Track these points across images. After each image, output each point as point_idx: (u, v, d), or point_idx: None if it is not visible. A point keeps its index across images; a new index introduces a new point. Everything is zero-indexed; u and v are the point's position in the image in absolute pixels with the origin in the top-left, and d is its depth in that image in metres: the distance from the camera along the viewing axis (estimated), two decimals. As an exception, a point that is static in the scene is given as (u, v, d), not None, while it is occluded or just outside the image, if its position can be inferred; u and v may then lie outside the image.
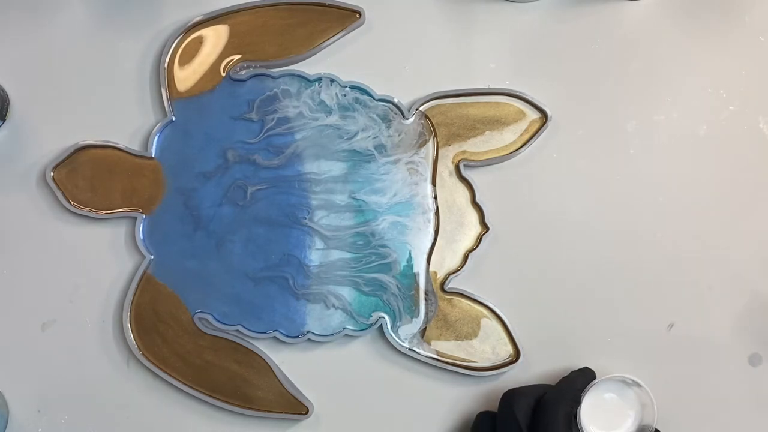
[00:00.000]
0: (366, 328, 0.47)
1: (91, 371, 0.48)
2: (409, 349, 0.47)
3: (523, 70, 0.50)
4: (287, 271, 0.48)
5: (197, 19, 0.50)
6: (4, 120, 0.50)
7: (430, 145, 0.49)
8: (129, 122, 0.50)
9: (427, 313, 0.48)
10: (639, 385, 0.44)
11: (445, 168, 0.49)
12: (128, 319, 0.48)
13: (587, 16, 0.51)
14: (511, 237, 0.49)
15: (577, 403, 0.43)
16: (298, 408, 0.47)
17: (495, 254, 0.48)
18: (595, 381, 0.44)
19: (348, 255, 0.48)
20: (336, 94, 0.49)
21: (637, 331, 0.48)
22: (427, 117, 0.49)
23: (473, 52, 0.50)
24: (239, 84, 0.49)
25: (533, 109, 0.49)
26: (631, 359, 0.48)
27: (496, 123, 0.49)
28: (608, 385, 0.44)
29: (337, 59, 0.50)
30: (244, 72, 0.50)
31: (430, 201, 0.49)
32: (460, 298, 0.48)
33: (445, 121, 0.49)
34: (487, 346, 0.47)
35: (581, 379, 0.45)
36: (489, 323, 0.48)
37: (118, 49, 0.51)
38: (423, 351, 0.47)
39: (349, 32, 0.50)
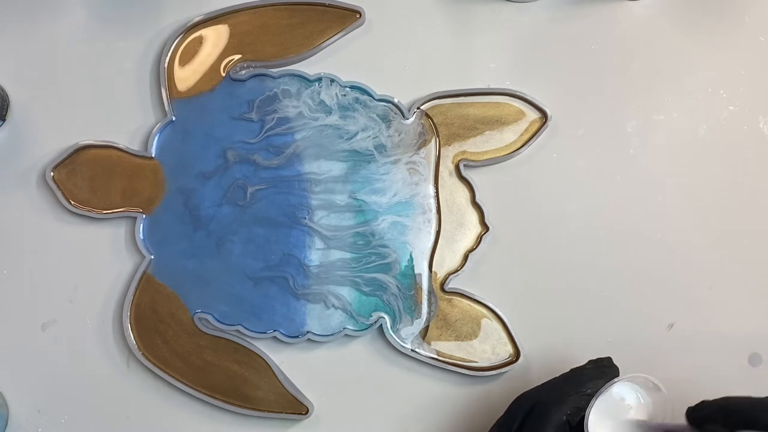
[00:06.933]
0: (366, 328, 0.47)
1: (91, 371, 0.48)
2: (411, 350, 0.47)
3: (523, 70, 0.50)
4: (287, 271, 0.48)
5: (197, 19, 0.50)
6: (4, 120, 0.50)
7: (432, 145, 0.49)
8: (129, 122, 0.50)
9: (428, 314, 0.48)
10: (660, 390, 0.39)
11: (445, 168, 0.49)
12: (128, 319, 0.48)
13: (587, 16, 0.51)
14: (511, 237, 0.49)
15: (580, 408, 0.37)
16: (298, 408, 0.47)
17: (495, 254, 0.48)
18: (612, 382, 0.38)
19: (348, 255, 0.48)
20: (336, 94, 0.49)
21: (637, 331, 0.48)
22: (428, 116, 0.49)
23: (473, 52, 0.50)
24: (239, 84, 0.49)
25: (533, 109, 0.49)
26: (631, 359, 0.47)
27: (496, 123, 0.49)
28: (625, 388, 0.38)
29: (337, 59, 0.50)
30: (244, 72, 0.50)
31: (431, 201, 0.49)
32: (460, 298, 0.48)
33: (445, 121, 0.49)
34: (487, 346, 0.47)
35: (593, 380, 0.38)
36: (489, 323, 0.48)
37: (118, 49, 0.51)
38: (423, 351, 0.47)
39: (349, 32, 0.50)
